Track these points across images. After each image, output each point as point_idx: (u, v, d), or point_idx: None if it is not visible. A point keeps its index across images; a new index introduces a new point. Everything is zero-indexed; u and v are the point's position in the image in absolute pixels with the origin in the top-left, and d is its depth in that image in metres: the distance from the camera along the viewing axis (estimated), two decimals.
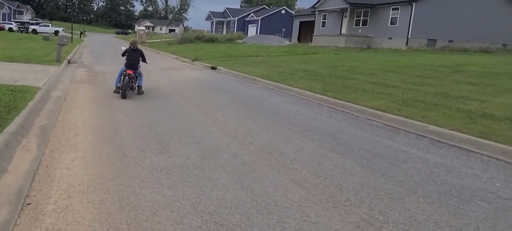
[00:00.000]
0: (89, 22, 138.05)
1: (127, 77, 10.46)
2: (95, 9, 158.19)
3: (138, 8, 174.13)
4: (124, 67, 10.78)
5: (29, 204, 3.83)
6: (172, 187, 4.42)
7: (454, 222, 3.88)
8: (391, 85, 12.22)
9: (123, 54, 11.24)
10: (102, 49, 34.94)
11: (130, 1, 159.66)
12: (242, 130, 7.40)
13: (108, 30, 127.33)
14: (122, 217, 3.65)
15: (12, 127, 6.11)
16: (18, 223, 3.48)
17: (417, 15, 28.78)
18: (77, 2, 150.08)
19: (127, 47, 11.34)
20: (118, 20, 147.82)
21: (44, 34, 41.91)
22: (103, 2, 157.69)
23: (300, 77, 15.12)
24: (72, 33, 41.70)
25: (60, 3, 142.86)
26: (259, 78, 15.72)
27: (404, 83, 12.40)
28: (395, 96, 10.56)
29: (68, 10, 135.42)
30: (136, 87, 10.96)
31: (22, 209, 3.72)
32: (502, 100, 9.43)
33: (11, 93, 8.59)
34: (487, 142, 6.72)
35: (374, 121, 8.70)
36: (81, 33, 67.64)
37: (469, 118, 8.13)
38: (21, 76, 11.79)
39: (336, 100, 10.78)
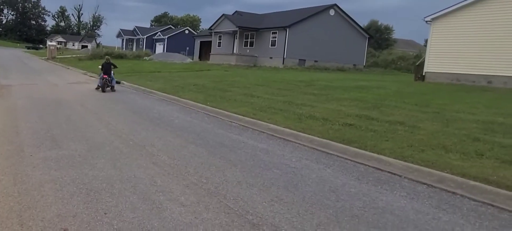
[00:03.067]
0: None
1: (104, 79, 15.87)
2: (4, 22, 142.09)
3: (50, 22, 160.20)
4: (102, 74, 16.17)
5: None
6: (58, 170, 5.32)
7: (251, 180, 5.38)
8: (256, 95, 13.99)
9: (101, 67, 16.53)
10: (10, 64, 32.53)
11: (42, 15, 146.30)
12: (127, 130, 8.37)
13: (18, 44, 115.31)
14: (15, 189, 4.51)
15: None
16: None
17: (290, 39, 31.83)
18: None
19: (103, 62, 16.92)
20: (29, 35, 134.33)
21: None
22: (12, 15, 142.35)
23: (189, 90, 16.32)
24: None
25: None
26: (156, 91, 16.57)
27: (266, 94, 14.27)
28: (256, 104, 12.26)
29: None
30: (111, 86, 16.25)
31: None
32: (327, 106, 11.62)
33: None
34: (303, 134, 8.54)
35: (234, 122, 10.22)
36: None
37: (299, 118, 10.03)
38: None
39: (212, 108, 12.15)
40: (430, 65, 19.53)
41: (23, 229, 3.59)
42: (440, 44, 18.85)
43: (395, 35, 59.13)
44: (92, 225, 3.74)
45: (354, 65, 34.99)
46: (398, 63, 38.47)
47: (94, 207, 4.17)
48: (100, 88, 15.97)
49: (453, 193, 5.23)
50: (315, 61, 33.03)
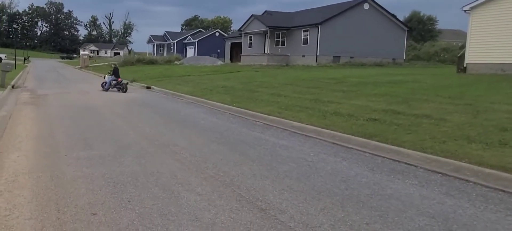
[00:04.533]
0: (33, 48, 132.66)
1: (121, 82, 19.69)
2: (38, 34, 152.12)
3: (82, 32, 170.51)
4: (112, 77, 19.84)
5: None
6: (90, 167, 6.14)
7: (266, 173, 5.94)
8: (283, 95, 14.53)
9: (112, 73, 20.10)
10: (46, 75, 35.01)
11: (74, 25, 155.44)
12: (154, 132, 9.18)
13: (53, 55, 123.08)
14: (52, 183, 5.34)
15: None
16: None
17: (323, 36, 32.07)
18: (19, 28, 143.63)
19: (113, 67, 20.93)
20: (63, 45, 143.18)
21: None
22: (46, 27, 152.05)
23: (217, 92, 17.13)
24: (15, 59, 41.11)
25: (2, 29, 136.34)
26: (184, 95, 17.52)
27: (293, 93, 14.77)
28: (282, 104, 12.79)
29: (11, 36, 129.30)
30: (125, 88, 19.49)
31: None
32: (354, 102, 11.95)
33: None
34: (325, 130, 8.99)
35: (258, 121, 10.82)
36: (24, 59, 65.78)
37: (323, 115, 10.47)
38: None
39: (238, 108, 12.82)
40: (471, 56, 19.23)
41: (59, 213, 4.36)
42: (481, 33, 18.53)
43: (441, 25, 57.63)
44: (117, 211, 4.45)
45: (393, 59, 34.64)
46: (442, 55, 37.58)
47: (119, 196, 4.89)
48: (121, 90, 19.45)
49: (466, 180, 5.54)
50: (351, 57, 33.05)
